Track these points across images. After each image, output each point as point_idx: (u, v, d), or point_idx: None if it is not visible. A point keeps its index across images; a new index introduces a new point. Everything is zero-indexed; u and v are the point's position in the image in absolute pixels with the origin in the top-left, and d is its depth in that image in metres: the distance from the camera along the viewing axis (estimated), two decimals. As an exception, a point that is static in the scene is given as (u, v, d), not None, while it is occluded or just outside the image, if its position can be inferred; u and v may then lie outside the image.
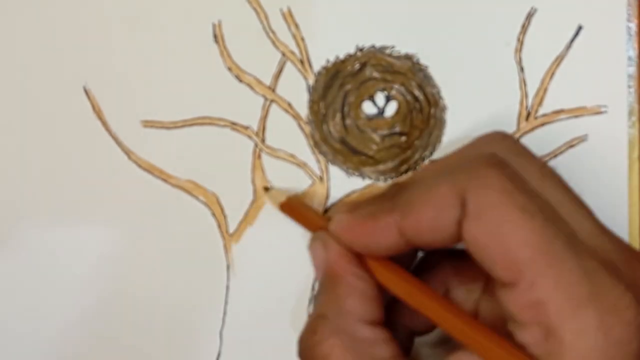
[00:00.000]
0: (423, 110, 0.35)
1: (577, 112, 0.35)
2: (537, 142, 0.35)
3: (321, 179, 0.36)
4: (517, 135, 0.35)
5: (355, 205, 0.30)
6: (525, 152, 0.29)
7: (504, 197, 0.26)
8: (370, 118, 0.35)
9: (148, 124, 0.35)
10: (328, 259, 0.30)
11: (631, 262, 0.27)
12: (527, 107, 0.35)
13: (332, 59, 0.35)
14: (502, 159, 0.28)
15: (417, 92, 0.35)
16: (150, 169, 0.35)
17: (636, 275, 0.26)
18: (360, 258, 0.30)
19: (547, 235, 0.25)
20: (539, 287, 0.25)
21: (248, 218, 0.36)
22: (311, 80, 0.35)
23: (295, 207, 0.34)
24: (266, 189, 0.35)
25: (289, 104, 0.35)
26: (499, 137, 0.30)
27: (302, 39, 0.35)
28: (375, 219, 0.29)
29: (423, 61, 0.35)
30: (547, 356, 0.25)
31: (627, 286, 0.25)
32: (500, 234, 0.26)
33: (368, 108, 0.35)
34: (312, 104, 0.35)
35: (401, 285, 0.29)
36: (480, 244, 0.26)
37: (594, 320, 0.25)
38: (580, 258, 0.26)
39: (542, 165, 0.29)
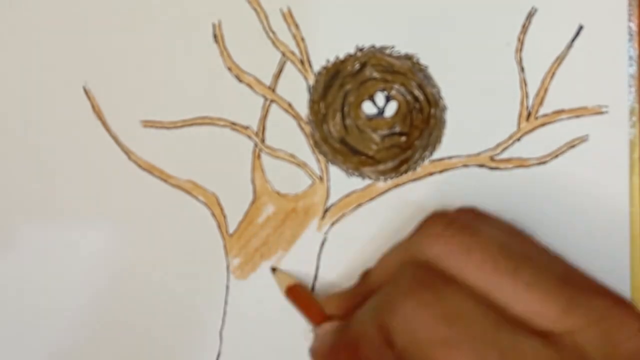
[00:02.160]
0: (423, 110, 0.35)
1: (578, 112, 0.35)
2: (538, 142, 0.35)
3: (321, 179, 0.36)
4: (517, 136, 0.35)
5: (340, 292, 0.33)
6: (463, 246, 0.28)
7: (425, 334, 0.26)
8: (370, 118, 0.35)
9: (148, 124, 0.35)
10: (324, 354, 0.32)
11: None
12: (527, 107, 0.35)
13: (332, 59, 0.35)
14: (428, 274, 0.28)
15: (417, 92, 0.35)
16: (150, 169, 0.35)
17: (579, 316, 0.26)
18: None
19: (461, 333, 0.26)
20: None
21: (248, 218, 0.36)
22: (311, 80, 0.35)
23: (298, 294, 0.34)
24: (273, 270, 0.35)
25: (289, 104, 0.35)
26: (438, 231, 0.29)
27: (302, 39, 0.35)
28: (337, 352, 0.31)
29: (423, 61, 0.35)
30: None
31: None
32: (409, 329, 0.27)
33: (368, 108, 0.35)
34: (312, 104, 0.35)
35: None
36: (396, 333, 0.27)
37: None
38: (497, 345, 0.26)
39: (482, 258, 0.28)
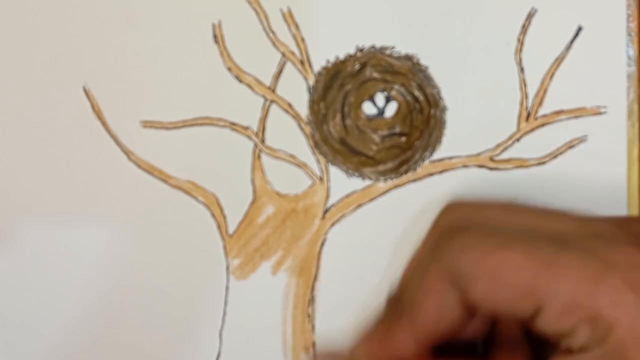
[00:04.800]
0: (423, 110, 0.35)
1: (577, 113, 0.35)
2: (537, 143, 0.35)
3: (321, 179, 0.36)
4: (517, 136, 0.35)
5: (370, 329, 0.31)
6: (481, 205, 0.30)
7: (480, 250, 0.27)
8: (370, 118, 0.35)
9: (148, 124, 0.35)
10: None
11: (631, 226, 0.28)
12: (527, 107, 0.35)
13: (332, 59, 0.35)
14: (463, 221, 0.29)
15: (417, 93, 0.35)
16: (149, 170, 0.35)
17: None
18: None
19: (533, 251, 0.26)
20: (558, 293, 0.26)
21: (247, 218, 0.36)
22: (311, 81, 0.35)
23: None
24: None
25: (289, 104, 0.35)
26: (451, 208, 0.30)
27: (302, 40, 0.35)
28: (390, 335, 0.29)
29: (423, 62, 0.35)
30: (605, 342, 0.25)
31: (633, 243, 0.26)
32: (497, 279, 0.27)
33: (368, 108, 0.35)
34: (312, 104, 0.35)
35: None
36: (489, 301, 0.27)
37: (621, 284, 0.25)
38: (573, 247, 0.26)
39: (502, 205, 0.30)
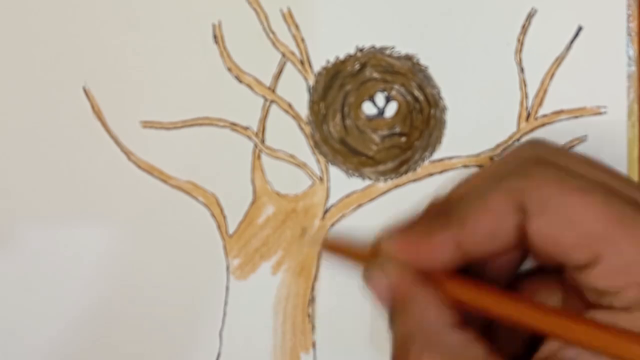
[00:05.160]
0: (423, 110, 0.35)
1: (577, 113, 0.35)
2: (537, 143, 0.35)
3: (321, 179, 0.36)
4: (517, 136, 0.35)
5: (406, 226, 0.29)
6: (565, 150, 0.30)
7: (560, 187, 0.27)
8: (370, 118, 0.35)
9: (148, 124, 0.35)
10: (393, 285, 0.29)
11: None
12: (527, 107, 0.35)
13: (332, 59, 0.35)
14: (547, 157, 0.28)
15: (417, 93, 0.35)
16: (149, 170, 0.35)
17: None
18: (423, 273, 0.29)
19: (612, 205, 0.26)
20: (623, 252, 0.26)
21: (247, 218, 0.36)
22: (311, 81, 0.35)
23: (338, 245, 0.32)
24: (303, 231, 0.35)
25: (289, 105, 0.35)
26: (536, 143, 0.30)
27: (302, 40, 0.35)
28: (431, 235, 0.28)
29: (423, 62, 0.35)
30: None
31: None
32: (568, 219, 0.26)
33: (368, 108, 0.35)
34: (312, 105, 0.35)
35: (474, 293, 0.28)
36: (551, 237, 0.27)
37: None
38: None
39: (584, 157, 0.29)
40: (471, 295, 0.28)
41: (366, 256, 0.30)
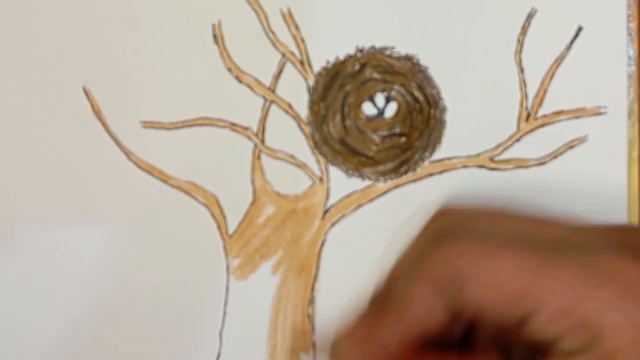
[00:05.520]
0: (423, 111, 0.35)
1: (577, 113, 0.35)
2: (537, 143, 0.35)
3: (321, 179, 0.36)
4: (517, 136, 0.35)
5: (347, 328, 0.31)
6: (472, 211, 0.30)
7: (471, 256, 0.27)
8: (370, 119, 0.35)
9: (148, 124, 0.35)
10: None
11: (625, 235, 0.28)
12: (527, 108, 0.35)
13: (332, 59, 0.35)
14: (450, 230, 0.28)
15: (417, 93, 0.35)
16: (149, 170, 0.35)
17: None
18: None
19: (524, 256, 0.26)
20: (548, 300, 0.26)
21: (247, 218, 0.36)
22: (311, 81, 0.35)
23: None
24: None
25: (289, 105, 0.35)
26: (443, 214, 0.30)
27: (302, 40, 0.35)
28: (374, 332, 0.29)
29: (423, 62, 0.35)
30: (595, 348, 0.25)
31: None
32: (488, 285, 0.26)
33: (368, 109, 0.35)
34: (312, 105, 0.35)
35: None
36: (480, 306, 0.27)
37: (612, 293, 0.25)
38: (565, 253, 0.26)
39: (493, 213, 0.29)
40: None
41: None
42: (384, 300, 0.30)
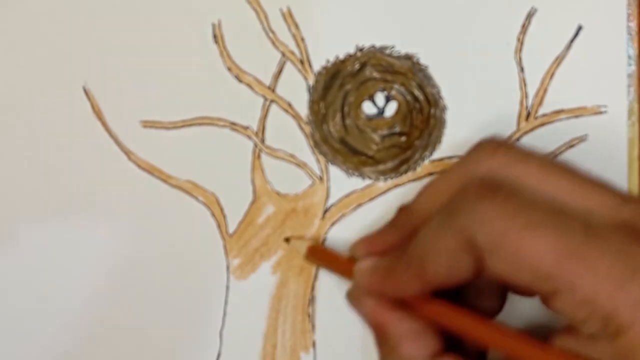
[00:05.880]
0: (423, 110, 0.35)
1: (577, 112, 0.35)
2: (537, 142, 0.35)
3: (321, 179, 0.36)
4: (517, 136, 0.35)
5: (372, 246, 0.32)
6: (519, 156, 0.29)
7: (507, 223, 0.27)
8: (370, 118, 0.35)
9: (147, 124, 0.35)
10: (368, 313, 0.31)
11: None
12: (527, 107, 0.35)
13: (332, 59, 0.35)
14: (493, 181, 0.28)
15: (417, 92, 0.35)
16: (149, 169, 0.35)
17: None
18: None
19: (562, 236, 0.26)
20: (578, 286, 0.26)
21: (247, 218, 0.36)
22: (311, 81, 0.35)
23: (320, 254, 0.35)
24: (287, 240, 0.35)
25: (289, 104, 0.35)
26: (490, 150, 0.30)
27: (302, 39, 0.35)
28: (395, 275, 0.30)
29: (423, 61, 0.35)
30: (615, 340, 0.26)
31: None
32: (519, 258, 0.26)
33: (368, 108, 0.35)
34: (312, 104, 0.35)
35: (447, 317, 0.29)
36: (507, 274, 0.27)
37: None
38: (604, 240, 0.26)
39: (540, 162, 0.29)
40: (445, 318, 0.29)
41: (347, 267, 0.32)
42: (409, 242, 0.29)
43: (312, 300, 0.36)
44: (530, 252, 0.26)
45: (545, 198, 0.28)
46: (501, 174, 0.29)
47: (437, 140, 0.35)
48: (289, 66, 0.35)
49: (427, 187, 0.32)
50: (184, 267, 0.35)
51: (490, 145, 0.30)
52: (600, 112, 0.35)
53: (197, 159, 0.35)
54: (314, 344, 0.36)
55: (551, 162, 0.29)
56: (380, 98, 0.35)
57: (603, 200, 0.28)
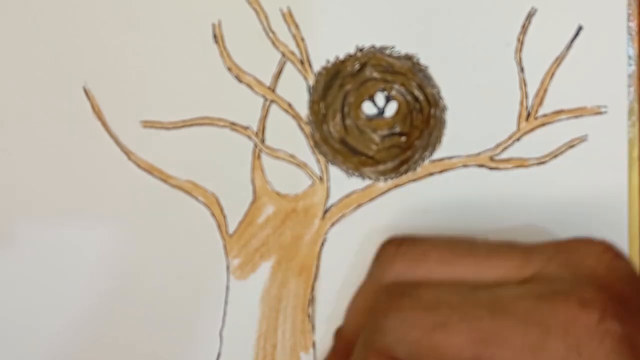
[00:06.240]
0: (423, 110, 0.35)
1: (577, 113, 0.35)
2: (537, 143, 0.35)
3: (321, 179, 0.36)
4: (517, 136, 0.35)
5: None
6: (418, 255, 0.30)
7: (417, 333, 0.27)
8: (370, 118, 0.35)
9: (148, 124, 0.35)
10: None
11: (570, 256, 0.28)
12: (527, 107, 0.35)
13: (332, 59, 0.35)
14: (397, 290, 0.29)
15: (417, 93, 0.35)
16: (149, 169, 0.35)
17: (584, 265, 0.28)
18: None
19: (472, 325, 0.27)
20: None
21: (247, 218, 0.36)
22: (311, 81, 0.35)
23: None
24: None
25: (289, 104, 0.35)
26: (390, 256, 0.30)
27: (302, 39, 0.35)
28: None
29: (423, 61, 0.35)
30: None
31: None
32: (441, 356, 0.27)
33: (368, 108, 0.35)
34: (312, 104, 0.35)
35: None
36: None
37: (563, 348, 0.26)
38: (511, 315, 0.27)
39: (439, 254, 0.29)
40: None
41: None
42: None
43: (312, 300, 0.36)
44: (448, 350, 0.27)
45: (451, 288, 0.28)
46: (406, 276, 0.29)
47: (437, 140, 0.35)
48: (289, 66, 0.35)
49: (350, 306, 0.32)
50: (183, 267, 0.35)
51: (390, 250, 0.30)
52: (600, 112, 0.35)
53: (197, 159, 0.35)
54: (314, 344, 0.36)
55: (452, 249, 0.29)
56: (380, 98, 0.35)
57: (508, 265, 0.28)
